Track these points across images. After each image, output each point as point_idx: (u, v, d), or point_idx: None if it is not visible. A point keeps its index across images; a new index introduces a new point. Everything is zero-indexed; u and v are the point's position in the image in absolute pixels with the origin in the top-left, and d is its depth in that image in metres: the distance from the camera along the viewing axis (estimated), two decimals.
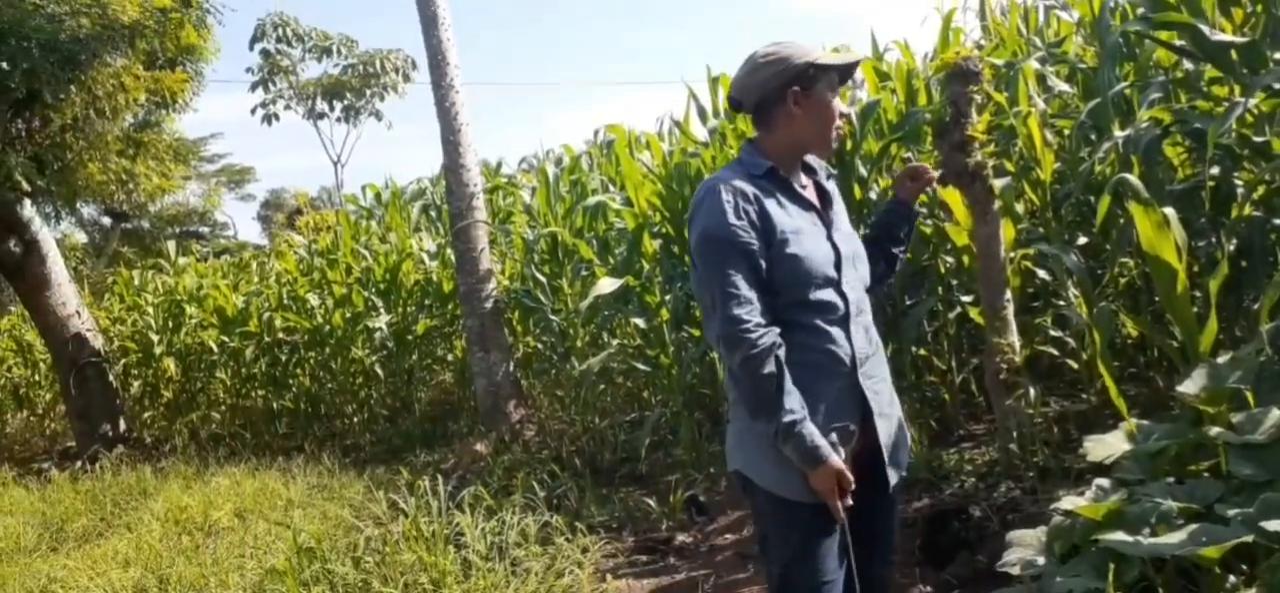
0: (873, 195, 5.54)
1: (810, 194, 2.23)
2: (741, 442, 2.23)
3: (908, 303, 4.98)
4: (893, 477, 2.19)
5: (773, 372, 2.02)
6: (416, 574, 3.50)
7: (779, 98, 2.17)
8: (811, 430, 2.03)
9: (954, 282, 5.04)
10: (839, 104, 2.22)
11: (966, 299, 4.83)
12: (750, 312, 2.04)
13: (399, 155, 54.55)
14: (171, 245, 11.80)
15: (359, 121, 27.24)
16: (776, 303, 2.09)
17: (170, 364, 9.43)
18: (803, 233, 2.12)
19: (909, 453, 2.35)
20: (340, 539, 4.20)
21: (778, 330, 2.06)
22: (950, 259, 4.90)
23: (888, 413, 2.22)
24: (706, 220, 2.11)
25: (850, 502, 2.08)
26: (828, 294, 2.13)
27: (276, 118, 25.96)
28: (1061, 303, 4.28)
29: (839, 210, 2.28)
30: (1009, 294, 4.20)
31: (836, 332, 2.13)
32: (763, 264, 2.08)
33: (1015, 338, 4.10)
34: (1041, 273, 4.62)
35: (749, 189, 2.11)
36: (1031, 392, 3.98)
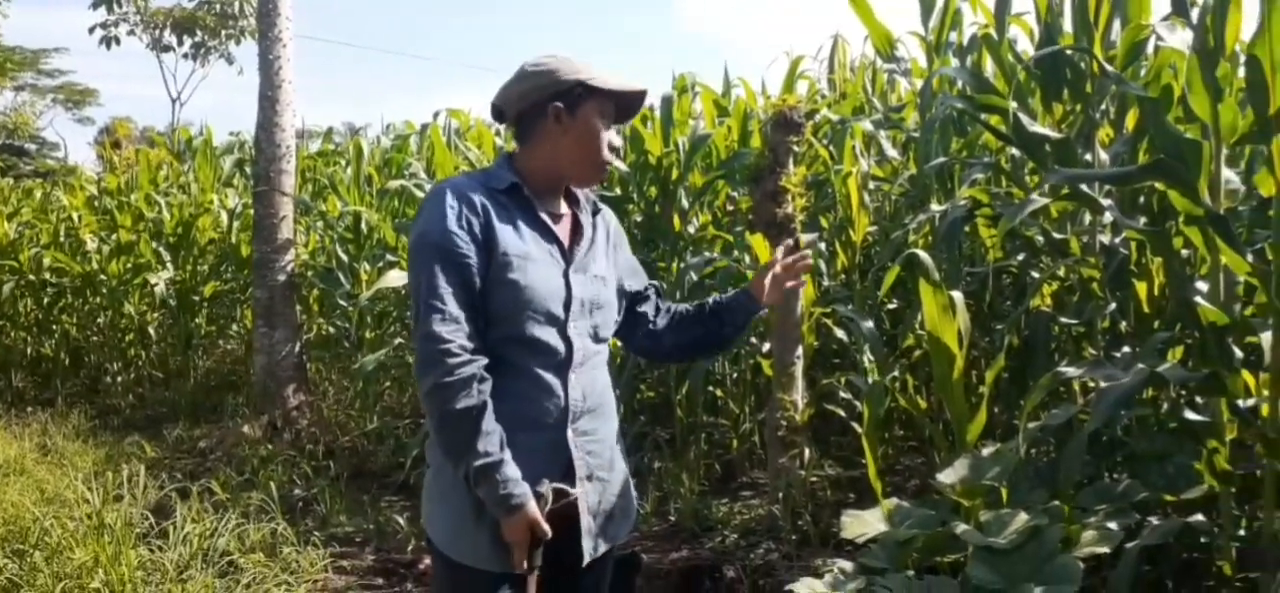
0: (692, 229, 5.38)
1: (559, 225, 1.95)
2: (427, 490, 1.94)
3: None
4: (591, 547, 1.91)
5: (472, 405, 1.74)
6: (86, 578, 3.00)
7: (541, 113, 1.92)
8: (513, 471, 1.76)
9: (760, 327, 4.91)
10: (610, 135, 1.96)
11: (765, 347, 4.69)
12: (454, 331, 1.76)
13: (245, 104, 51.74)
14: None
15: (208, 62, 25.64)
16: (490, 334, 1.83)
17: None
18: (531, 260, 1.85)
19: (631, 523, 2.08)
20: (25, 520, 3.62)
21: (485, 360, 1.78)
22: None
23: (601, 477, 1.95)
24: (424, 223, 1.84)
25: (537, 563, 1.81)
26: (547, 334, 1.87)
27: (117, 41, 24.03)
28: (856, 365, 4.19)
29: (595, 252, 2.00)
30: (800, 350, 4.07)
31: (550, 378, 1.87)
32: (478, 284, 1.81)
33: (799, 396, 3.97)
34: (841, 333, 4.53)
35: (480, 200, 1.85)
36: (806, 452, 3.85)
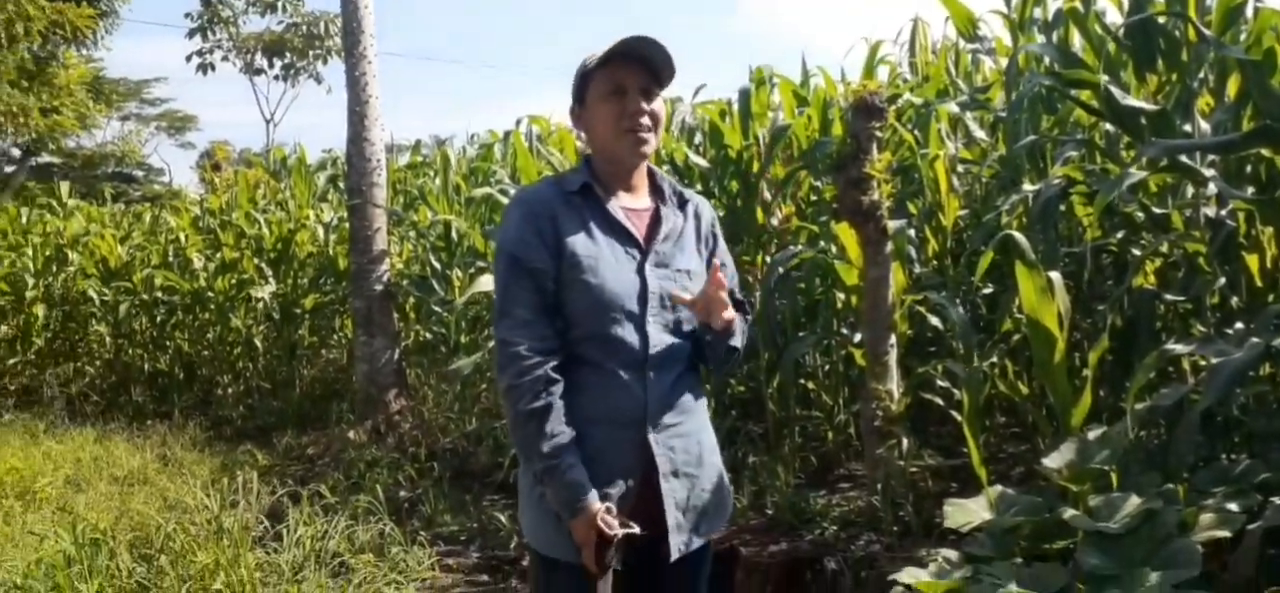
0: (774, 222, 5.36)
1: (633, 219, 1.97)
2: (521, 489, 2.01)
3: (797, 336, 4.78)
4: (681, 544, 1.93)
5: (538, 406, 1.81)
6: (209, 580, 3.17)
7: (575, 115, 2.04)
8: (576, 474, 1.81)
9: (851, 318, 4.87)
10: (626, 102, 1.91)
11: (857, 338, 4.65)
12: (524, 335, 1.85)
13: (335, 121, 53.28)
14: (65, 186, 11.08)
15: (298, 82, 26.53)
16: (570, 333, 1.90)
17: (40, 311, 8.86)
18: (602, 260, 1.89)
19: (727, 517, 2.10)
20: (149, 526, 3.83)
21: (554, 363, 1.85)
22: (842, 295, 4.71)
23: (688, 472, 1.96)
24: (501, 233, 1.97)
25: (615, 563, 1.82)
26: (625, 330, 1.89)
27: (212, 68, 25.10)
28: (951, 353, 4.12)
29: (677, 246, 2.00)
30: (893, 339, 4.02)
31: (628, 375, 1.90)
32: (552, 288, 1.88)
33: (894, 385, 3.92)
34: (935, 320, 4.46)
35: (550, 205, 1.92)
36: (905, 442, 3.81)
